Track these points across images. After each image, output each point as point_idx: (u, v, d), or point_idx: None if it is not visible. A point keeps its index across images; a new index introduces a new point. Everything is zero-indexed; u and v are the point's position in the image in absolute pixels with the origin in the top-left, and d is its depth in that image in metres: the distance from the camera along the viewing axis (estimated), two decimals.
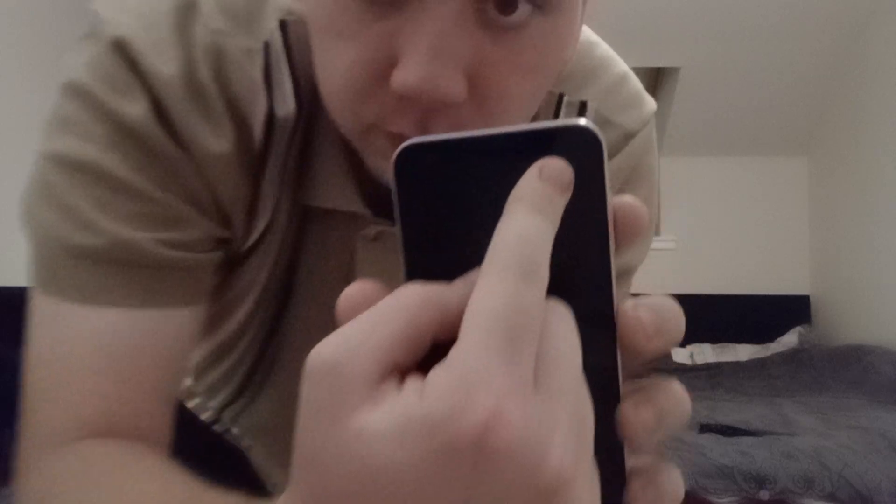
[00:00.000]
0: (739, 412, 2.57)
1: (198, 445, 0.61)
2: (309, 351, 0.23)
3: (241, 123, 0.45)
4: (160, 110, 0.42)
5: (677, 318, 0.26)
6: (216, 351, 0.59)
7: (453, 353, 0.22)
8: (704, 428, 2.30)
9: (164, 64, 0.42)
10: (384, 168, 0.39)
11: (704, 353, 3.51)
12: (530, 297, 0.23)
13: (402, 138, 0.33)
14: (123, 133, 0.42)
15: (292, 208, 0.50)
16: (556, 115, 0.53)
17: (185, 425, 0.57)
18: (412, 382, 0.23)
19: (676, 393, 0.27)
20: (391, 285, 0.25)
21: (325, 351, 0.23)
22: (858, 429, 2.21)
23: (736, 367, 3.31)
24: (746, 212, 3.86)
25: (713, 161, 3.85)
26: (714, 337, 3.64)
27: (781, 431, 2.26)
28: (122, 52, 0.42)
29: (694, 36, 3.17)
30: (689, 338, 3.61)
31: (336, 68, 0.38)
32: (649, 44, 3.18)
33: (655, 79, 3.63)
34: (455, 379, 0.21)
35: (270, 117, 0.46)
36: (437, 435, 0.21)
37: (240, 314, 0.54)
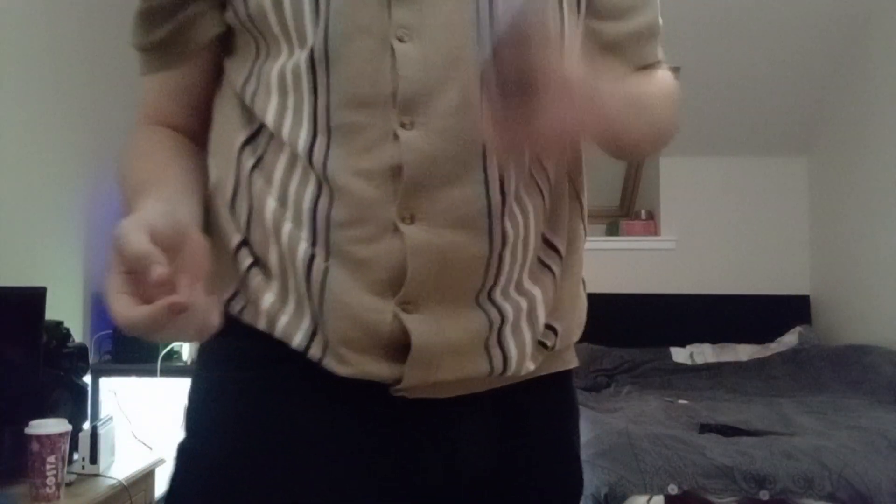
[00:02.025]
0: (739, 412, 2.57)
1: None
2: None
3: None
4: None
5: None
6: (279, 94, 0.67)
7: None
8: (704, 428, 2.30)
9: None
10: None
11: (704, 353, 3.51)
12: None
13: None
14: None
15: None
16: None
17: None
18: None
19: None
20: None
21: None
22: (858, 429, 2.21)
23: (736, 367, 3.31)
24: (746, 212, 3.86)
25: (713, 161, 3.85)
26: (714, 337, 3.63)
27: (781, 431, 2.26)
28: None
29: (694, 36, 3.17)
30: (689, 338, 3.61)
31: None
32: None
33: None
34: None
35: None
36: None
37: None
